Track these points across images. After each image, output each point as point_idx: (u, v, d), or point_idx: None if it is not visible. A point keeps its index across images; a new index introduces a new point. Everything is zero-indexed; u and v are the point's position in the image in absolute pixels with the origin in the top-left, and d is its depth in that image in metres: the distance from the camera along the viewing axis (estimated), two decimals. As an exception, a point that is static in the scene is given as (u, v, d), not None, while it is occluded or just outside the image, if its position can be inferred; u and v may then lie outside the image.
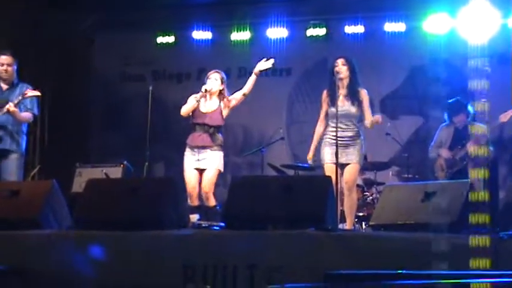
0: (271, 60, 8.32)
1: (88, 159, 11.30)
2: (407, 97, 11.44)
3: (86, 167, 10.00)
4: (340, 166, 7.62)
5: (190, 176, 8.14)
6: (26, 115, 8.38)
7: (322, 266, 5.30)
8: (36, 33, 11.57)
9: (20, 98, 8.19)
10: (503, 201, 7.37)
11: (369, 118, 7.79)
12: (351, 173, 7.74)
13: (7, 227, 6.26)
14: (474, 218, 5.50)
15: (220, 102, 8.30)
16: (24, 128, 8.50)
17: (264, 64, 8.32)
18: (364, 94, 7.88)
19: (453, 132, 9.05)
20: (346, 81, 7.86)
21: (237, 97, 8.34)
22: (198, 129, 8.19)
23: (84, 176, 9.41)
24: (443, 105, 9.40)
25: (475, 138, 8.68)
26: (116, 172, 9.69)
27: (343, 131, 7.72)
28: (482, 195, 5.73)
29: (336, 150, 7.48)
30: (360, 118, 7.85)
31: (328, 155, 7.75)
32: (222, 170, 8.25)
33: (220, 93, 8.33)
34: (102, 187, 6.91)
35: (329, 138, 7.78)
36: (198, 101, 8.19)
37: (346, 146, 7.72)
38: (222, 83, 8.37)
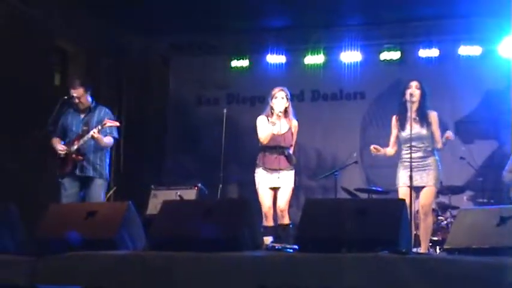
0: None
1: (163, 182, 11.45)
2: (482, 121, 11.33)
3: (161, 189, 10.11)
4: (416, 189, 7.59)
5: (265, 196, 8.19)
6: (108, 140, 8.46)
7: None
8: (114, 55, 11.80)
9: (100, 127, 8.26)
10: None
11: (438, 139, 7.77)
12: (427, 196, 7.68)
13: (84, 247, 6.36)
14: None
15: (288, 121, 8.33)
16: (107, 153, 8.60)
17: None
18: (433, 116, 7.86)
19: None
20: (416, 105, 7.85)
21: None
22: (272, 151, 8.23)
23: (159, 198, 9.51)
24: None
25: None
26: (190, 194, 9.78)
27: (415, 153, 7.69)
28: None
29: (410, 173, 7.45)
30: (432, 140, 7.82)
31: (403, 178, 7.75)
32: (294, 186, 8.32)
33: (286, 111, 8.34)
34: (177, 209, 6.98)
35: (403, 161, 7.76)
36: (274, 124, 8.19)
37: (422, 168, 7.70)
38: (287, 100, 8.37)
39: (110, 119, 8.43)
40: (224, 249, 6.04)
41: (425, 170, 7.68)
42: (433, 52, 11.39)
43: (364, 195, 10.15)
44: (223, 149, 9.81)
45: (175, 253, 6.12)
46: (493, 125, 11.20)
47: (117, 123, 8.46)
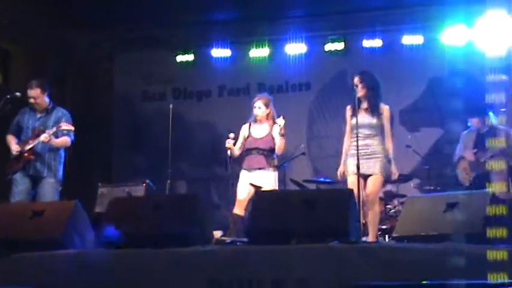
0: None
1: (110, 179, 11.37)
2: (427, 109, 11.43)
3: (108, 186, 10.03)
4: (363, 177, 7.64)
5: (243, 188, 8.45)
6: (62, 140, 8.47)
7: (346, 278, 5.32)
8: (58, 52, 11.68)
9: (55, 129, 8.28)
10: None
11: (388, 134, 7.82)
12: (373, 184, 7.71)
13: (31, 247, 6.29)
14: (493, 231, 5.49)
15: (270, 125, 8.60)
16: (62, 153, 8.59)
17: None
18: (385, 109, 7.88)
19: (475, 136, 9.07)
20: (365, 98, 7.88)
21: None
22: (252, 152, 8.54)
23: (107, 195, 9.44)
24: (464, 115, 9.40)
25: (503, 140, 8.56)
26: (138, 191, 9.71)
27: (363, 140, 7.72)
28: (502, 208, 5.72)
29: (357, 162, 7.49)
30: (381, 130, 7.85)
31: (351, 166, 7.76)
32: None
33: (267, 116, 8.66)
34: (125, 205, 6.95)
35: (352, 150, 7.80)
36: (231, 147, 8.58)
37: (369, 157, 7.71)
38: (266, 107, 8.66)
39: (67, 121, 8.45)
40: (173, 245, 6.03)
41: (372, 158, 7.71)
42: (377, 42, 11.46)
43: (312, 186, 10.18)
44: (171, 145, 9.78)
45: (124, 250, 6.09)
46: (438, 113, 11.33)
47: (72, 128, 8.46)
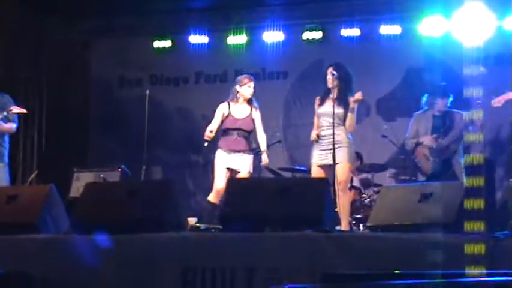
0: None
1: (86, 164, 11.32)
2: (404, 99, 11.43)
3: (83, 172, 10.01)
4: (332, 167, 7.68)
5: (220, 175, 8.39)
6: (9, 126, 8.43)
7: (320, 266, 5.34)
8: (34, 38, 11.59)
9: (5, 113, 8.25)
10: (500, 202, 7.40)
11: (351, 123, 7.83)
12: (342, 172, 7.71)
13: (5, 231, 6.27)
14: (469, 221, 5.53)
15: (250, 108, 8.61)
16: (7, 138, 8.53)
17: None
18: (351, 100, 7.90)
19: (432, 119, 8.93)
20: (336, 89, 7.92)
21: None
22: (232, 133, 8.50)
23: (81, 181, 9.42)
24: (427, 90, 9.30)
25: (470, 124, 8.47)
26: (113, 176, 9.70)
27: (327, 130, 7.78)
28: (476, 197, 5.75)
29: (321, 151, 7.62)
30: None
31: (315, 157, 7.87)
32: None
33: (250, 99, 8.67)
34: (100, 191, 6.93)
35: (317, 141, 7.88)
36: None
37: (335, 146, 7.69)
38: (253, 90, 8.68)
39: (13, 105, 8.42)
40: (147, 231, 6.02)
41: (337, 147, 7.71)
42: (355, 32, 11.44)
43: (287, 175, 10.19)
44: (147, 131, 9.75)
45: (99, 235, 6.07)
46: (414, 103, 11.32)
47: (25, 111, 8.49)
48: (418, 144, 8.92)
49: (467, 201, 5.68)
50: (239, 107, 8.60)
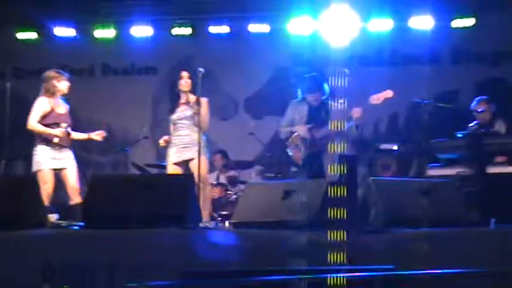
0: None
1: None
2: (272, 97, 11.53)
3: None
4: (188, 163, 7.88)
5: (48, 175, 8.04)
6: None
7: (183, 263, 5.32)
8: None
9: None
10: (361, 198, 7.50)
11: (205, 122, 7.94)
12: (199, 166, 7.76)
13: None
14: (332, 214, 5.63)
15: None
16: None
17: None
18: (204, 102, 7.98)
19: (307, 110, 8.83)
20: (189, 91, 8.10)
21: None
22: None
23: None
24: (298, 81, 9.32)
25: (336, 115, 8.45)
26: (-30, 171, 9.41)
27: (182, 130, 8.04)
28: (340, 191, 5.86)
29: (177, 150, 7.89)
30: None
31: (171, 155, 8.06)
32: None
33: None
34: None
35: (173, 140, 8.11)
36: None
37: (188, 144, 7.95)
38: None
39: None
40: (6, 228, 5.87)
41: (192, 146, 7.89)
42: (224, 29, 11.47)
43: (155, 171, 10.11)
44: (9, 125, 9.49)
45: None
46: (281, 101, 11.43)
47: None
48: (292, 133, 8.82)
49: (326, 194, 5.82)
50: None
